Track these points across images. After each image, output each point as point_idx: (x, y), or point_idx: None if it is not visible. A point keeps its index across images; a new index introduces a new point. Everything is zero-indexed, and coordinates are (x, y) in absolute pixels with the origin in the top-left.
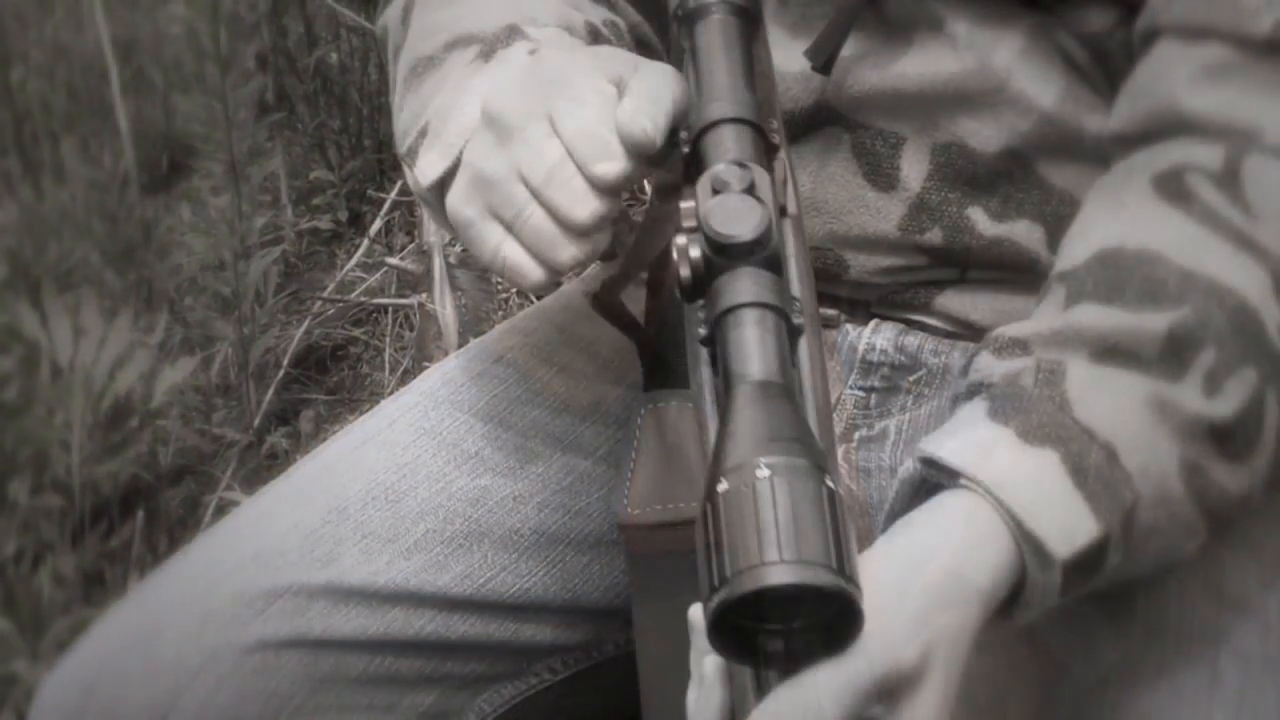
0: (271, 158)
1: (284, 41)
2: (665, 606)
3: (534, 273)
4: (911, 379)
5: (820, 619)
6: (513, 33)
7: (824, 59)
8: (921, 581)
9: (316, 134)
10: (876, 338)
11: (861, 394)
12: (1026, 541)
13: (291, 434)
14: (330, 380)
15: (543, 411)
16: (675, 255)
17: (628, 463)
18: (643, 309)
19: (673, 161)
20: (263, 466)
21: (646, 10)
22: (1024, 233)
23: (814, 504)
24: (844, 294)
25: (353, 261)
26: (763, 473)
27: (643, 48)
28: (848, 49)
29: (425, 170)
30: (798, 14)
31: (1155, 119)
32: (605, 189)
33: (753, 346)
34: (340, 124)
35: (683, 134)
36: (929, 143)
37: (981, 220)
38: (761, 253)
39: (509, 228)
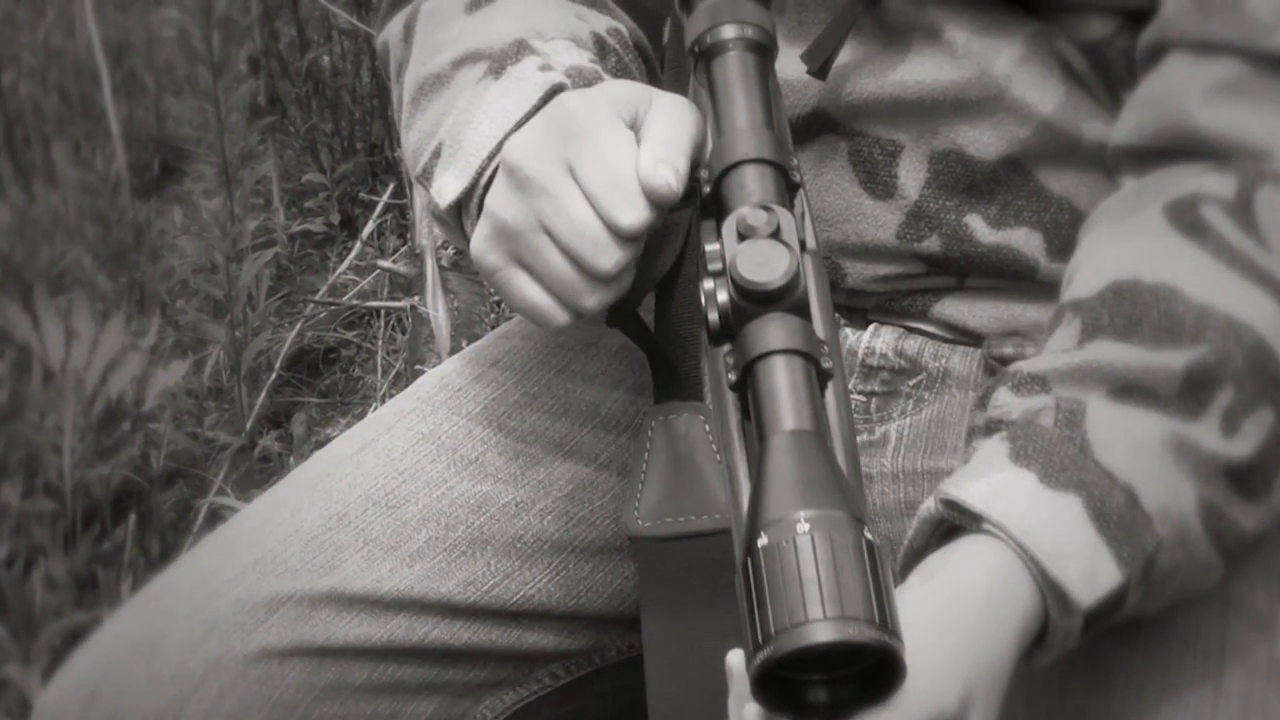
0: (264, 161)
1: (276, 44)
2: (675, 618)
3: (559, 317)
4: (911, 383)
5: (862, 668)
6: (521, 48)
7: (820, 62)
8: (957, 626)
9: (309, 137)
10: (876, 341)
11: (862, 399)
12: (1050, 588)
13: (284, 437)
14: (322, 383)
15: (542, 416)
16: (703, 299)
17: (638, 474)
18: (651, 318)
19: (686, 187)
20: (255, 470)
21: (640, 20)
22: (1023, 240)
23: (854, 557)
24: (841, 301)
25: (345, 264)
26: (802, 527)
27: (639, 51)
28: (845, 56)
29: (443, 191)
30: (794, 19)
31: (1166, 134)
32: (628, 238)
33: (785, 395)
34: (333, 127)
35: (702, 172)
36: (927, 150)
37: (980, 228)
38: (790, 298)
39: (533, 275)
